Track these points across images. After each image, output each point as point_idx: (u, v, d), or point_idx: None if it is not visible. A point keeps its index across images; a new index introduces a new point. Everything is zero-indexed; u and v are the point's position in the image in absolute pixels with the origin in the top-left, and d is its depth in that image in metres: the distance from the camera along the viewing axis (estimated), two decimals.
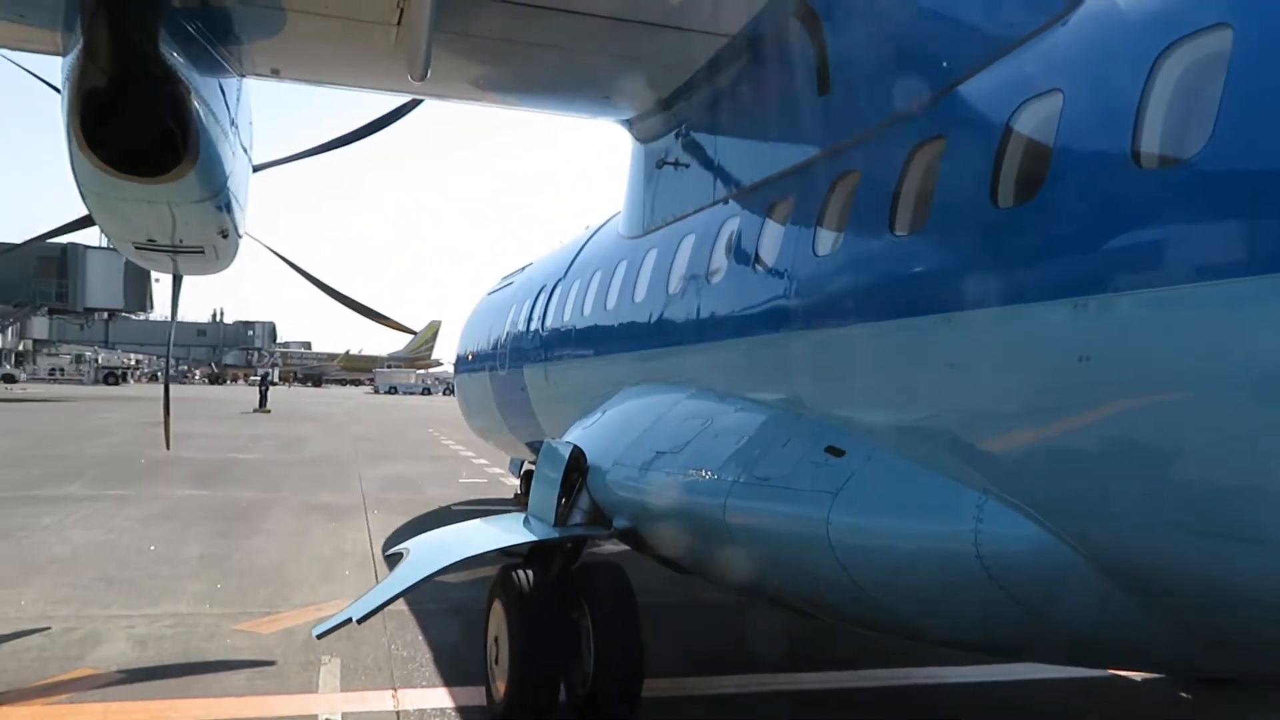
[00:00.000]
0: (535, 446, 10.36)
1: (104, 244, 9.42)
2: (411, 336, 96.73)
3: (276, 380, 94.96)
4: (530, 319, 11.40)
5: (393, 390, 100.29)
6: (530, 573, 6.14)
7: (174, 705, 6.23)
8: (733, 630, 8.27)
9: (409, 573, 6.20)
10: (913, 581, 4.38)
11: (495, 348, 13.00)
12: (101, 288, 56.46)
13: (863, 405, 5.01)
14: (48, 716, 6.03)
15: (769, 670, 7.14)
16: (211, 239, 8.27)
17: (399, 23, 5.90)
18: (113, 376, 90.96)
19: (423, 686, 6.68)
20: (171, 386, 11.33)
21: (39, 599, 8.76)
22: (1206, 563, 3.33)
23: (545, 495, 6.72)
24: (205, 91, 6.43)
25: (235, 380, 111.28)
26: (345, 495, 16.71)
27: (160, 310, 62.32)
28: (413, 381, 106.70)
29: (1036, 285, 3.81)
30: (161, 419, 10.91)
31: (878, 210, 4.89)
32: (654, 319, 7.49)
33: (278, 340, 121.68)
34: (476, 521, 7.39)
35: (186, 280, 10.05)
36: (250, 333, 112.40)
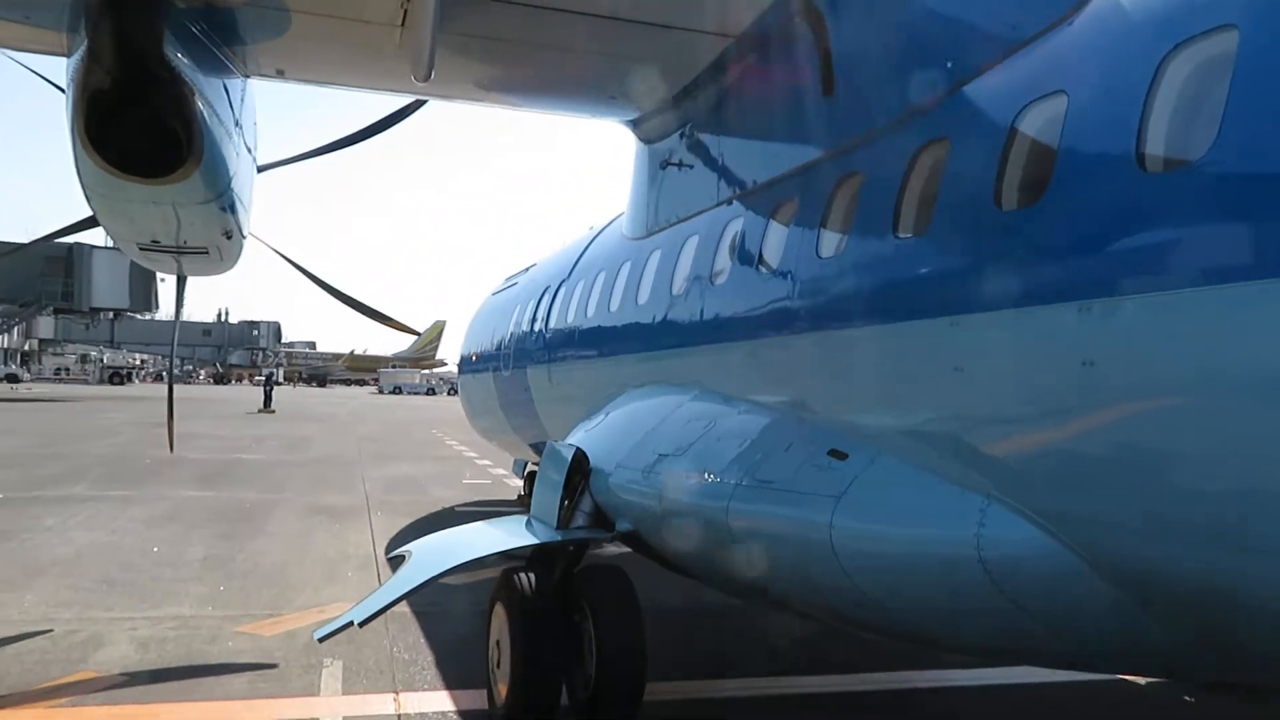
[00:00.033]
0: (539, 448, 10.34)
1: (110, 244, 9.42)
2: (416, 337, 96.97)
3: (281, 380, 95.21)
4: (534, 320, 11.38)
5: (397, 390, 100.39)
6: (532, 576, 6.12)
7: (175, 708, 6.22)
8: (735, 633, 8.25)
9: (411, 576, 6.19)
10: (915, 586, 4.35)
11: (499, 348, 12.98)
12: (107, 287, 56.59)
13: (866, 408, 4.99)
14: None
15: (771, 674, 7.12)
16: (216, 240, 8.27)
17: (403, 24, 5.90)
18: (118, 376, 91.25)
19: (424, 690, 6.67)
20: (176, 386, 11.36)
21: (41, 601, 8.77)
22: (1211, 569, 3.30)
23: (548, 498, 6.70)
24: (209, 92, 6.42)
25: (240, 380, 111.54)
26: (349, 496, 16.72)
27: (165, 310, 62.41)
28: (417, 382, 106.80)
29: (1040, 289, 3.79)
30: (165, 420, 10.93)
31: (882, 212, 4.87)
32: (657, 320, 7.47)
33: (283, 340, 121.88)
34: (479, 524, 7.38)
35: (191, 280, 10.06)
36: (255, 333, 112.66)
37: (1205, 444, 3.25)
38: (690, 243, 7.12)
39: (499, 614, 6.18)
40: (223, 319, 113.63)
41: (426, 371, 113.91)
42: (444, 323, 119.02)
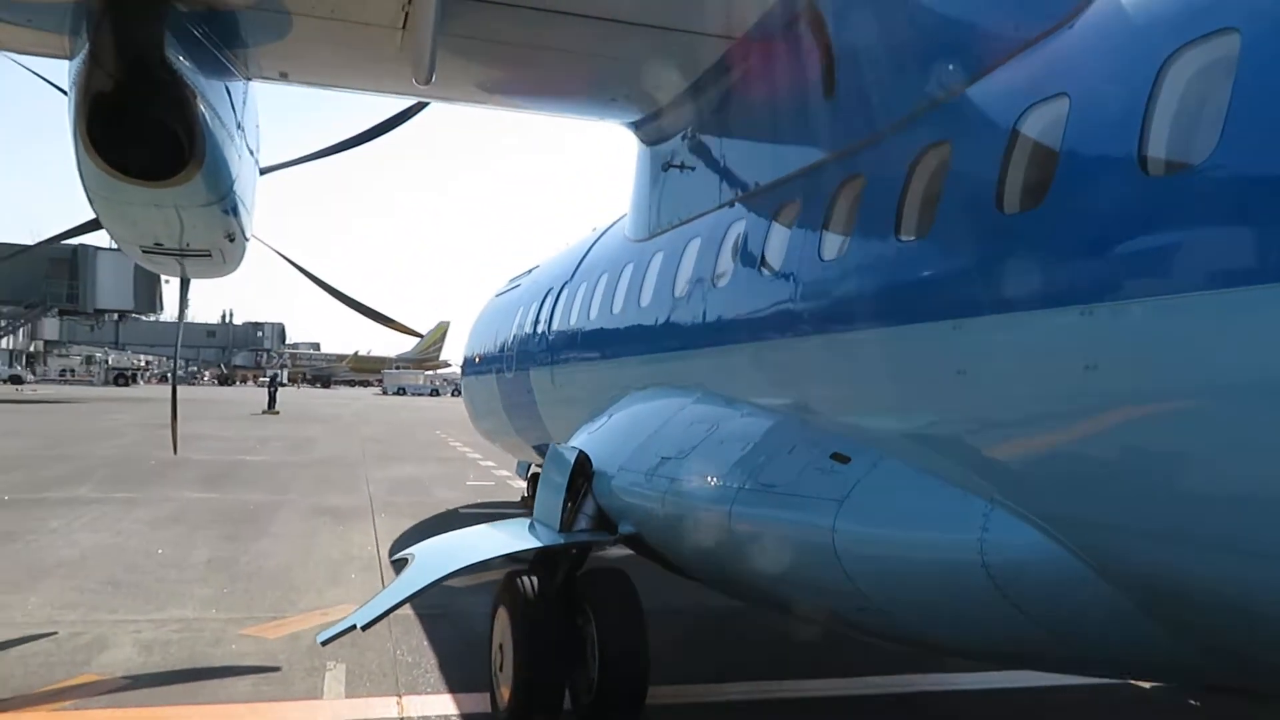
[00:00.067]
0: (542, 450, 10.34)
1: (114, 246, 9.43)
2: (419, 338, 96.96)
3: (285, 381, 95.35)
4: (537, 322, 11.39)
5: (401, 391, 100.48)
6: (535, 579, 6.12)
7: (178, 711, 6.23)
8: (738, 636, 8.23)
9: (414, 579, 6.19)
10: (918, 590, 4.34)
11: (502, 350, 12.99)
12: (112, 289, 56.70)
13: (869, 412, 4.98)
14: None
15: (774, 677, 7.10)
16: (218, 242, 8.27)
17: (404, 26, 5.89)
18: (122, 378, 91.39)
19: (427, 693, 6.66)
20: (180, 388, 11.38)
21: (46, 603, 8.78)
22: (1215, 574, 3.29)
23: (550, 501, 6.69)
24: (211, 95, 6.42)
25: (244, 381, 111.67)
26: (353, 497, 16.73)
27: (170, 311, 62.60)
28: (421, 383, 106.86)
29: (1043, 292, 3.77)
30: (170, 421, 10.94)
31: (884, 215, 4.85)
32: (660, 323, 7.47)
33: (287, 341, 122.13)
34: (482, 527, 7.38)
35: (196, 281, 10.07)
36: (259, 334, 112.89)
37: (1208, 448, 3.24)
38: (692, 245, 7.12)
39: (502, 617, 6.18)
40: (227, 320, 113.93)
41: (430, 373, 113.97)
42: (448, 324, 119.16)
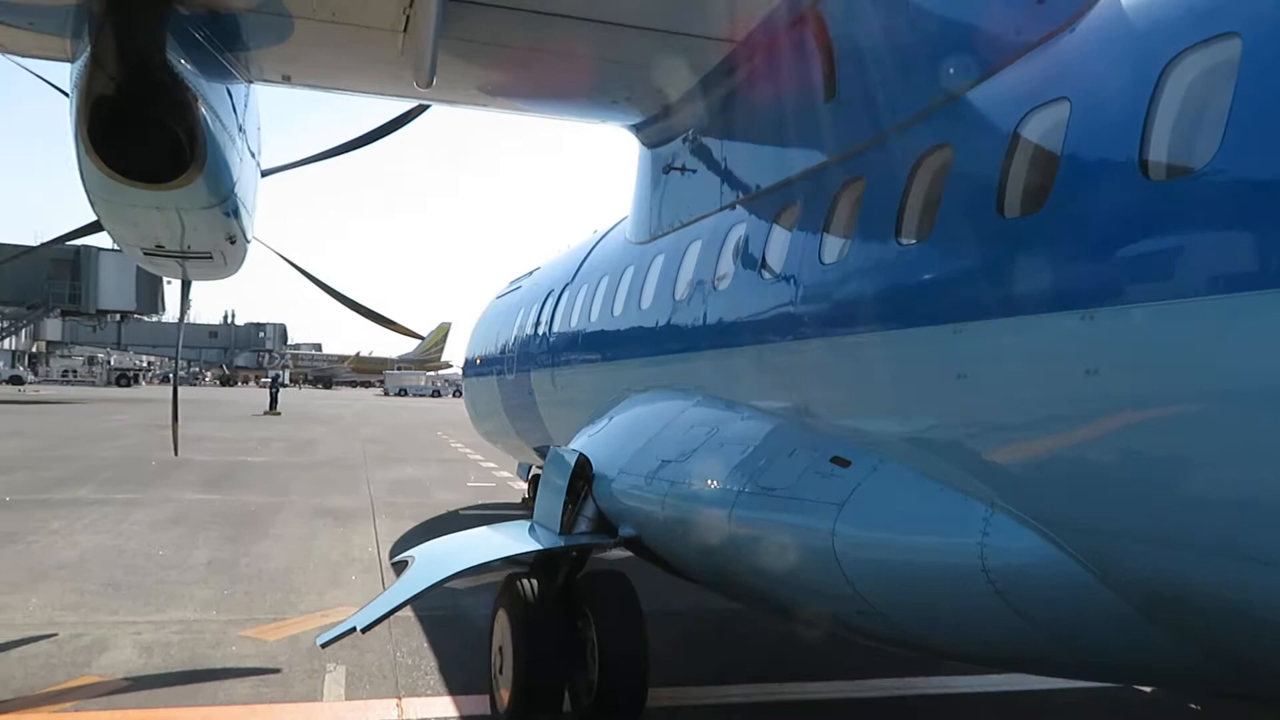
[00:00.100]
0: (543, 451, 10.34)
1: (116, 247, 9.44)
2: (420, 340, 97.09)
3: (287, 382, 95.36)
4: (538, 323, 11.39)
5: (402, 392, 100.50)
6: (535, 582, 6.12)
7: (178, 714, 6.23)
8: (738, 638, 8.22)
9: (414, 581, 6.19)
10: (918, 595, 4.34)
11: (503, 352, 12.99)
12: (114, 290, 56.80)
13: (869, 415, 4.98)
14: None
15: (774, 679, 7.10)
16: (219, 245, 8.28)
17: (405, 29, 5.90)
18: (124, 378, 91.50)
19: (427, 695, 6.66)
20: (182, 388, 11.39)
21: (47, 604, 8.78)
22: (1216, 579, 3.28)
23: (551, 503, 6.69)
24: (213, 98, 6.42)
25: (246, 382, 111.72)
26: (354, 499, 16.73)
27: (172, 312, 62.67)
28: (422, 383, 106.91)
29: (1044, 296, 3.77)
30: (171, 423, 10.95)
31: (884, 218, 4.85)
32: (660, 325, 7.47)
33: (288, 342, 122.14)
34: (482, 529, 7.38)
35: (198, 283, 10.07)
36: (261, 335, 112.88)
37: (1210, 453, 3.24)
38: (693, 247, 7.12)
39: (501, 619, 6.17)
40: (229, 321, 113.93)
41: (431, 374, 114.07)
42: (449, 324, 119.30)
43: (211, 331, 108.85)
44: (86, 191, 6.87)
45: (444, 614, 8.47)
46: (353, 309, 11.20)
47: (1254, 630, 3.33)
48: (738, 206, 6.68)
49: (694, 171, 7.40)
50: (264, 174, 8.55)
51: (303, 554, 11.56)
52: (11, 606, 8.66)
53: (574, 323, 9.87)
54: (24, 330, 70.13)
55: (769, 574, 5.18)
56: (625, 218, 9.38)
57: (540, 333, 11.16)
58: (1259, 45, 3.15)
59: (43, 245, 17.08)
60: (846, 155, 5.41)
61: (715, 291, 6.61)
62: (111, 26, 5.53)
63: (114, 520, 13.59)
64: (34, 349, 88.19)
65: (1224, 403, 3.17)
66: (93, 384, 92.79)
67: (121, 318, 64.40)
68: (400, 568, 6.67)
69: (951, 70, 4.61)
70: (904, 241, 4.72)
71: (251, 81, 7.16)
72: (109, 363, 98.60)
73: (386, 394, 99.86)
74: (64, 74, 6.39)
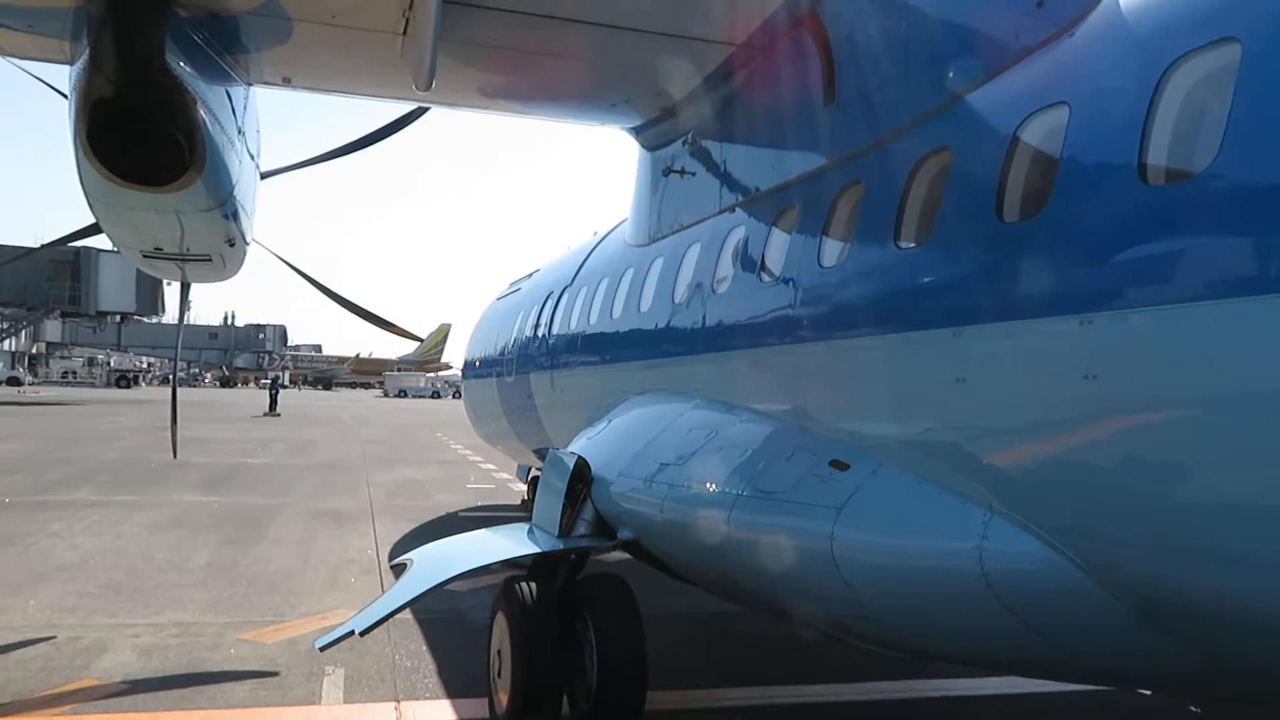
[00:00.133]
0: (542, 453, 10.33)
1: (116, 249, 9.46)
2: (419, 342, 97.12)
3: (287, 383, 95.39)
4: (537, 326, 11.39)
5: (402, 394, 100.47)
6: (534, 585, 6.11)
7: (176, 717, 6.22)
8: (737, 641, 8.21)
9: (412, 584, 6.19)
10: (917, 598, 4.34)
11: (502, 354, 12.99)
12: (114, 291, 56.87)
13: (868, 419, 4.97)
14: None
15: (773, 682, 7.09)
16: (219, 247, 8.27)
17: (404, 32, 5.89)
18: (124, 379, 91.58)
19: (426, 698, 6.66)
20: (182, 390, 11.38)
21: (46, 606, 8.78)
22: (1214, 584, 3.28)
23: (549, 506, 6.69)
24: (212, 100, 6.42)
25: (246, 383, 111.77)
26: (353, 500, 16.72)
27: (172, 313, 62.68)
28: (422, 385, 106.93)
29: (1042, 301, 3.77)
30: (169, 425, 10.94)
31: (883, 222, 4.86)
32: (659, 328, 7.47)
33: (288, 343, 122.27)
34: (481, 532, 7.37)
35: (198, 285, 10.07)
36: (261, 336, 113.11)
37: (1208, 458, 3.24)
38: (692, 250, 7.12)
39: (500, 623, 6.17)
40: (229, 322, 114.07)
41: (431, 375, 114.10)
42: (449, 325, 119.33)
43: (211, 333, 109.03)
44: (85, 194, 6.86)
45: (443, 616, 8.46)
46: (351, 311, 11.19)
47: (1252, 634, 3.33)
48: (737, 209, 6.67)
49: (693, 174, 7.40)
50: (263, 176, 8.55)
51: (302, 556, 11.55)
52: (10, 609, 8.65)
53: (573, 325, 9.87)
54: (24, 331, 70.20)
55: (767, 577, 5.18)
56: (625, 220, 9.37)
57: (539, 335, 11.16)
58: (1258, 50, 3.15)
59: (43, 247, 17.08)
60: (846, 159, 5.41)
61: (714, 294, 6.61)
62: (110, 29, 5.53)
63: (113, 522, 13.58)
64: (34, 350, 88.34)
65: (1222, 408, 3.17)
66: (92, 385, 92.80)
67: (121, 319, 64.44)
68: (399, 570, 6.67)
69: (951, 74, 4.61)
70: (903, 245, 4.72)
71: (251, 84, 7.15)
72: (109, 364, 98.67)
73: (386, 395, 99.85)
74: (63, 76, 6.39)
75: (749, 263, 6.23)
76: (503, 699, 5.98)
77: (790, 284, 5.64)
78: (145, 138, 6.10)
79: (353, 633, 5.87)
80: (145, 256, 8.54)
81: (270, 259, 10.12)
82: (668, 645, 6.98)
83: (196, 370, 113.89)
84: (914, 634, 4.65)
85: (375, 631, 6.09)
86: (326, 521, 14.24)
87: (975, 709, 6.84)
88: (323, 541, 12.63)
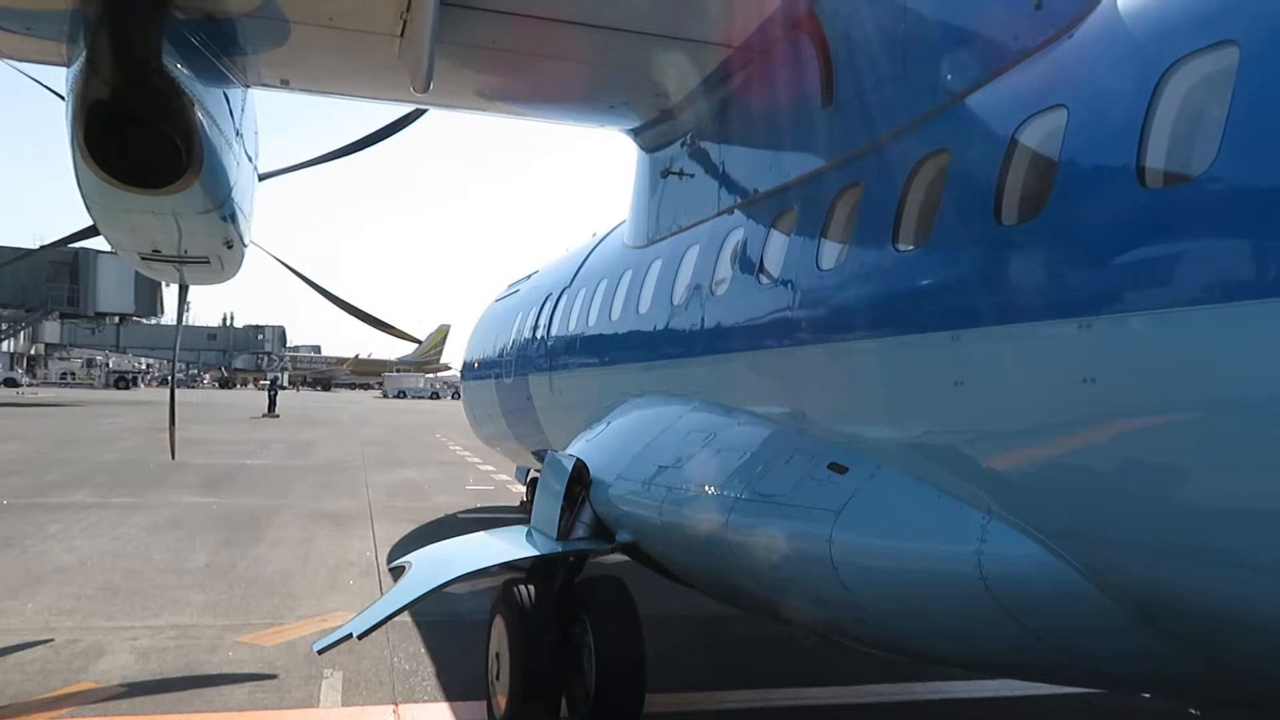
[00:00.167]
0: (541, 455, 10.32)
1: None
2: (417, 344, 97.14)
3: (286, 385, 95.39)
4: (536, 327, 11.38)
5: (401, 395, 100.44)
6: (532, 587, 6.10)
7: None
8: (735, 643, 8.21)
9: (411, 587, 6.18)
10: (915, 602, 4.33)
11: (501, 356, 12.98)
12: (113, 292, 56.89)
13: (866, 422, 4.97)
14: None
15: (772, 685, 7.09)
16: (217, 249, 8.26)
17: (402, 34, 5.88)
18: (123, 381, 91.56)
19: (424, 701, 6.65)
20: (181, 391, 11.38)
21: (43, 609, 8.77)
22: (1213, 587, 3.28)
23: (548, 508, 6.68)
24: (209, 102, 6.41)
25: (244, 384, 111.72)
26: (352, 502, 16.71)
27: (171, 315, 62.61)
28: (421, 386, 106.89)
29: (1041, 304, 3.77)
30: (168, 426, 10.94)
31: (881, 224, 4.85)
32: (658, 330, 7.46)
33: (287, 344, 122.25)
34: (479, 534, 7.35)
35: (196, 286, 10.05)
36: (260, 337, 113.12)
37: (1207, 462, 3.23)
38: (691, 252, 7.11)
39: (498, 626, 6.16)
40: (228, 323, 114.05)
41: (431, 376, 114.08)
42: (448, 326, 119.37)
43: (210, 334, 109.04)
44: (83, 196, 6.85)
45: (441, 619, 8.45)
46: (349, 312, 11.17)
47: (1251, 637, 3.32)
48: (735, 211, 6.67)
49: (692, 176, 7.40)
50: (261, 178, 8.54)
51: (300, 558, 11.54)
52: (8, 611, 8.64)
53: (571, 327, 9.86)
54: (23, 333, 70.18)
55: (766, 580, 5.18)
56: (623, 222, 9.37)
57: (538, 337, 11.15)
58: (1256, 53, 3.15)
59: (41, 248, 17.09)
60: (844, 161, 5.41)
61: (713, 296, 6.60)
62: (107, 31, 5.51)
63: (111, 524, 13.57)
64: (32, 351, 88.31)
65: (1221, 411, 3.17)
66: (91, 386, 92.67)
67: (120, 320, 64.49)
68: (397, 573, 6.66)
69: (949, 76, 4.61)
70: (901, 248, 4.71)
71: (249, 86, 7.14)
72: (107, 365, 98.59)
73: (385, 396, 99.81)
74: (61, 78, 6.38)
75: (747, 265, 6.23)
76: (501, 701, 5.97)
77: (789, 286, 5.63)
78: (142, 140, 6.09)
79: (351, 635, 5.86)
80: (143, 259, 8.53)
81: (269, 260, 10.12)
82: (666, 648, 6.97)
83: (195, 371, 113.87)
84: (912, 637, 4.65)
85: (374, 634, 6.08)
86: (325, 523, 14.23)
87: (973, 712, 6.84)
88: (321, 543, 12.62)
